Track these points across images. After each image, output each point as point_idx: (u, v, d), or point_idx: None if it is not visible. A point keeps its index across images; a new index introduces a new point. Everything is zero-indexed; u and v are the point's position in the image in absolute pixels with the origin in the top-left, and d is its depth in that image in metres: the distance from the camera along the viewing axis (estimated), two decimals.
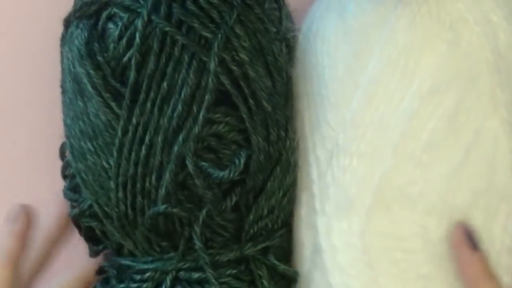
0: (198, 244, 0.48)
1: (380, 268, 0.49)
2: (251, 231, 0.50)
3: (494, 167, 0.49)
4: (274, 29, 0.51)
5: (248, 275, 0.50)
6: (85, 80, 0.49)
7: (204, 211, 0.48)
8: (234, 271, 0.49)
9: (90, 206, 0.51)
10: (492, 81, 0.49)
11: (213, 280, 0.48)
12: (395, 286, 0.49)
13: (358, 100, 0.50)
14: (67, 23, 0.52)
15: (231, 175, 0.48)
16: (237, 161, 0.48)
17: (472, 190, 0.49)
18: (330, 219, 0.50)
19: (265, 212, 0.50)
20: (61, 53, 0.52)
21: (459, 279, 0.49)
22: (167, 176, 0.48)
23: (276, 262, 0.50)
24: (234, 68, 0.48)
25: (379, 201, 0.49)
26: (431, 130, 0.49)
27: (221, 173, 0.48)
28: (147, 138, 0.48)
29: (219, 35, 0.47)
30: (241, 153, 0.49)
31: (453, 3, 0.50)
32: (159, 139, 0.48)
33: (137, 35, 0.48)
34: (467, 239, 0.48)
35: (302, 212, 0.52)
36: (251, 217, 0.50)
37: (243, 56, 0.48)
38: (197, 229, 0.48)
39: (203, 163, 0.48)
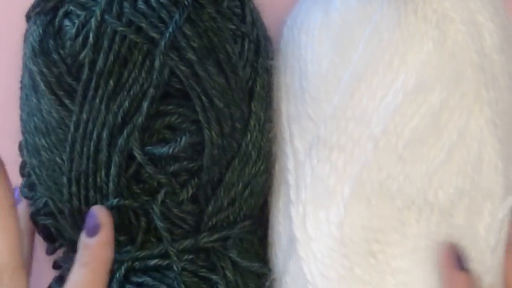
0: (158, 223, 0.49)
1: (357, 259, 0.49)
2: (210, 223, 0.50)
3: (479, 166, 0.50)
4: (233, 26, 0.51)
5: (207, 263, 0.50)
6: (38, 78, 0.49)
7: (162, 191, 0.49)
8: (191, 256, 0.50)
9: (45, 204, 0.51)
10: (477, 81, 0.50)
11: (175, 258, 0.48)
12: (371, 277, 0.49)
13: (340, 95, 0.50)
14: (28, 18, 0.52)
15: (171, 150, 0.48)
16: (178, 138, 0.49)
17: (456, 189, 0.49)
18: (305, 209, 0.50)
19: (225, 204, 0.50)
20: (23, 48, 0.53)
21: (435, 275, 0.49)
22: (112, 169, 0.48)
23: (239, 259, 0.51)
24: (183, 68, 0.48)
25: (359, 193, 0.49)
26: (414, 127, 0.49)
27: (162, 149, 0.48)
28: (94, 134, 0.48)
29: (167, 35, 0.47)
30: (187, 133, 0.49)
31: (439, 2, 0.50)
32: (105, 134, 0.48)
33: (91, 34, 0.48)
34: (455, 260, 0.48)
35: (280, 204, 0.52)
36: (210, 208, 0.50)
37: (191, 56, 0.48)
38: (156, 210, 0.49)
39: (149, 147, 0.48)
